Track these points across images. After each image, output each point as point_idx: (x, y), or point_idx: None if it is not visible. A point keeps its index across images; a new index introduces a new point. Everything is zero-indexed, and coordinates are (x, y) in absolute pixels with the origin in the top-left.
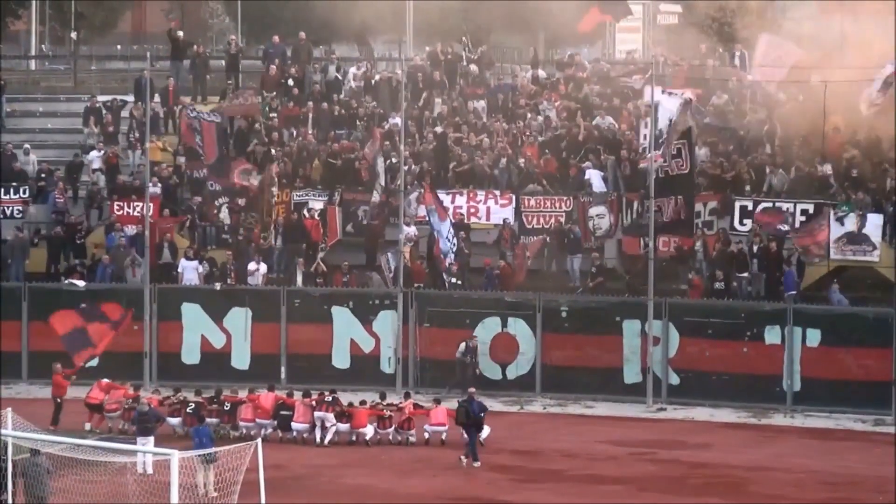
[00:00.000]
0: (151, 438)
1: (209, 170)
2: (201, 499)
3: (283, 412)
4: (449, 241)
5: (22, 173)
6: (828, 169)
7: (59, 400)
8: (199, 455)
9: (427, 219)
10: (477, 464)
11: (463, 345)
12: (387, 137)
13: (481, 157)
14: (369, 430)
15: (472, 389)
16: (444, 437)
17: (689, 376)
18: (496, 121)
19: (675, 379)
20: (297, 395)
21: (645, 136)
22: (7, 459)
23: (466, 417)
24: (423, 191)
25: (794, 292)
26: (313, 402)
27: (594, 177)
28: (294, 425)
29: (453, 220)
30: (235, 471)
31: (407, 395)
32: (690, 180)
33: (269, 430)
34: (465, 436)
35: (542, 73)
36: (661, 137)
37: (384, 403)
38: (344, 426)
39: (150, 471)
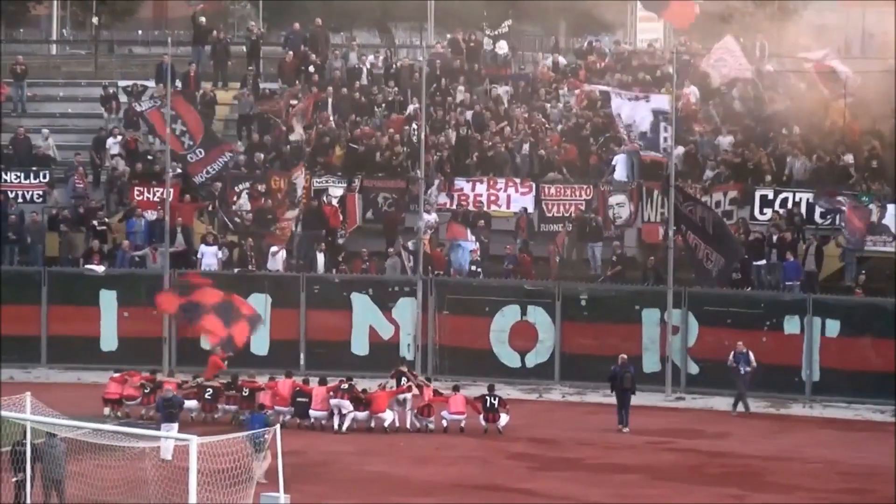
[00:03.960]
0: (176, 425)
1: (204, 147)
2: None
3: (300, 399)
4: (468, 258)
5: (44, 158)
6: (849, 159)
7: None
8: (251, 441)
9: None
10: (626, 429)
11: (731, 354)
12: (407, 123)
13: (503, 146)
14: (388, 416)
15: (624, 356)
16: (462, 424)
17: (708, 365)
18: (517, 106)
19: (694, 368)
20: (314, 383)
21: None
22: (26, 443)
23: (631, 383)
24: (442, 179)
25: (795, 283)
26: (330, 392)
27: (620, 162)
28: (312, 412)
29: (473, 208)
30: (253, 457)
31: (429, 381)
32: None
33: (287, 417)
34: (619, 403)
35: (561, 59)
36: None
37: (406, 371)
38: (363, 414)
39: (168, 457)
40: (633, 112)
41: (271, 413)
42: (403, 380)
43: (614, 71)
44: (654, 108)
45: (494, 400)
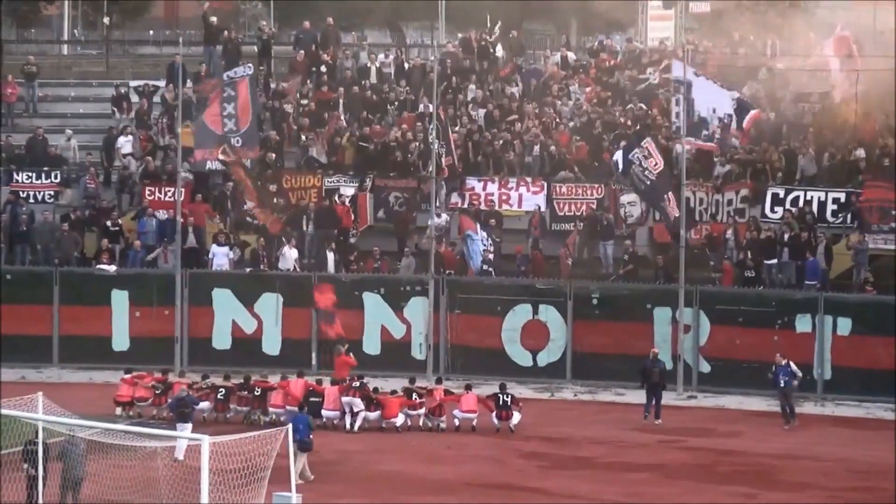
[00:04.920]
0: (190, 425)
1: (243, 138)
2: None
3: (313, 399)
4: (483, 244)
5: (56, 158)
6: (861, 153)
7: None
8: (296, 443)
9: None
10: (658, 421)
11: (773, 367)
12: (419, 121)
13: (512, 150)
14: (400, 420)
15: (655, 350)
16: (474, 423)
17: (720, 364)
18: (528, 102)
19: (705, 367)
20: (326, 382)
21: (677, 114)
22: (38, 443)
23: (660, 377)
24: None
25: (815, 282)
26: (342, 391)
27: (620, 158)
28: (324, 412)
29: (485, 207)
30: (265, 456)
31: (439, 381)
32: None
33: None
34: (648, 397)
35: (571, 55)
36: (705, 126)
37: (414, 387)
38: (374, 414)
39: (180, 457)
40: (716, 97)
41: (283, 413)
42: (414, 396)
43: (624, 69)
44: (735, 98)
45: (507, 398)
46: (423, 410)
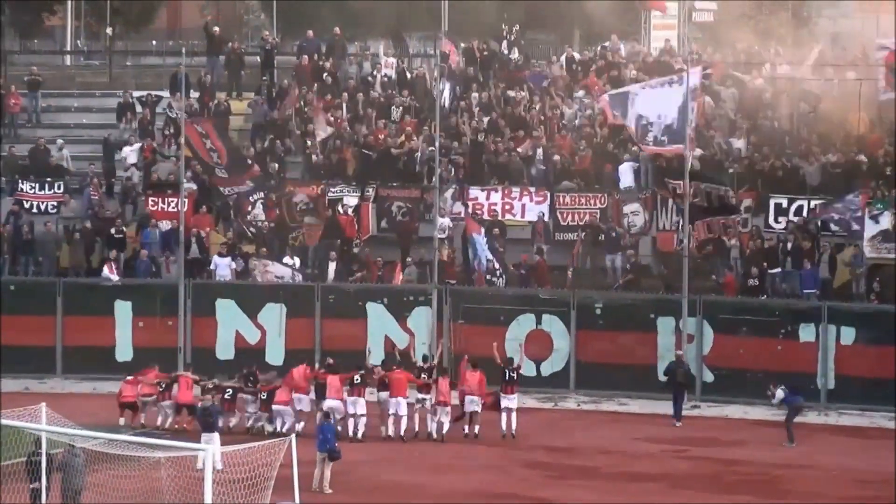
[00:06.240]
0: (216, 434)
1: (228, 171)
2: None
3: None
4: (486, 250)
5: (57, 168)
6: (861, 157)
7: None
8: (322, 451)
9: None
10: (679, 423)
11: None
12: (423, 125)
13: (517, 155)
14: (403, 409)
15: (680, 352)
16: (478, 408)
17: (724, 374)
18: (533, 108)
19: (709, 376)
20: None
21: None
22: (41, 454)
23: (684, 378)
24: (456, 188)
25: (813, 290)
26: (345, 385)
27: (625, 171)
28: (327, 402)
29: (488, 217)
30: (269, 466)
31: (445, 372)
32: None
33: (305, 406)
34: (673, 398)
35: (576, 54)
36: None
37: (424, 366)
38: (384, 394)
39: (219, 466)
40: (660, 103)
41: (286, 409)
42: (423, 375)
43: (628, 69)
44: (685, 92)
45: (513, 373)
46: (430, 396)
